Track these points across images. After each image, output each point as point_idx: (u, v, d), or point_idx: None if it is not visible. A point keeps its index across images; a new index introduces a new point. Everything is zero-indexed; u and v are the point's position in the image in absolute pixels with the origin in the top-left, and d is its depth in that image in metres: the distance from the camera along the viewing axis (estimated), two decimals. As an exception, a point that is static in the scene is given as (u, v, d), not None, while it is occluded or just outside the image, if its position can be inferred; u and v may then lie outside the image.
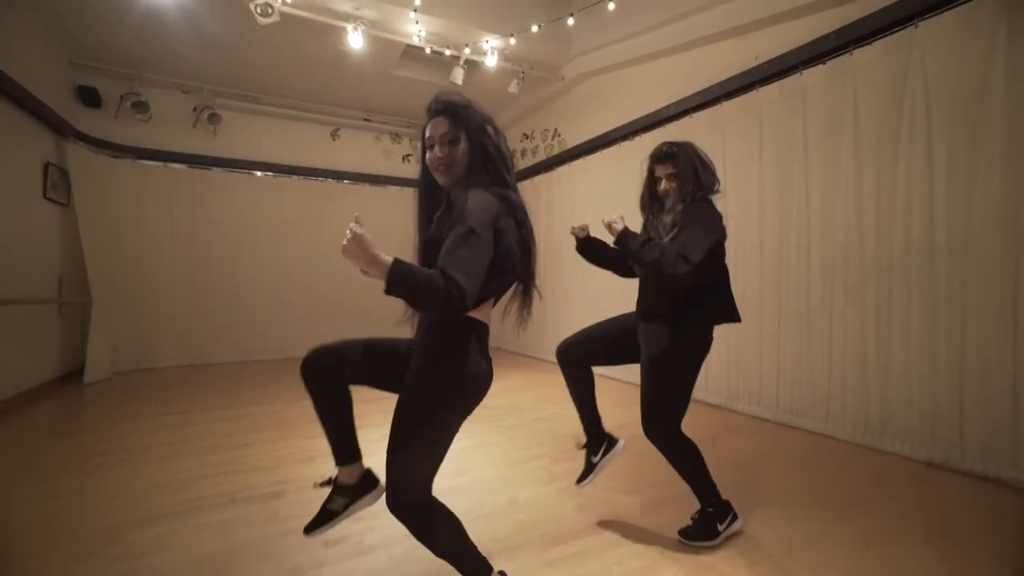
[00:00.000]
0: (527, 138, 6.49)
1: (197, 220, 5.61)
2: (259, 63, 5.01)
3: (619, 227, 1.72)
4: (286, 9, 3.78)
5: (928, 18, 2.52)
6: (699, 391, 3.82)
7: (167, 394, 4.19)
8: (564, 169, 5.62)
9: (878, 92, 2.75)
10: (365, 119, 6.53)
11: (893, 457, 2.62)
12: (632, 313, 1.93)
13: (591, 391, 1.96)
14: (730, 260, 3.33)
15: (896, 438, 2.66)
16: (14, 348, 3.71)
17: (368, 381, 1.38)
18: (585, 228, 1.96)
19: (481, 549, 1.34)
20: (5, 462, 2.59)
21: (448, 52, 4.46)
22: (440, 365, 1.20)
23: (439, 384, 1.19)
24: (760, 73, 3.38)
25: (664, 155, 1.82)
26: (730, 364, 3.62)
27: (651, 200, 1.90)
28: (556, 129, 5.93)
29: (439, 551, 1.28)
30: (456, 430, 1.22)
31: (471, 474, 2.44)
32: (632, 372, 1.96)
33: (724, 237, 1.76)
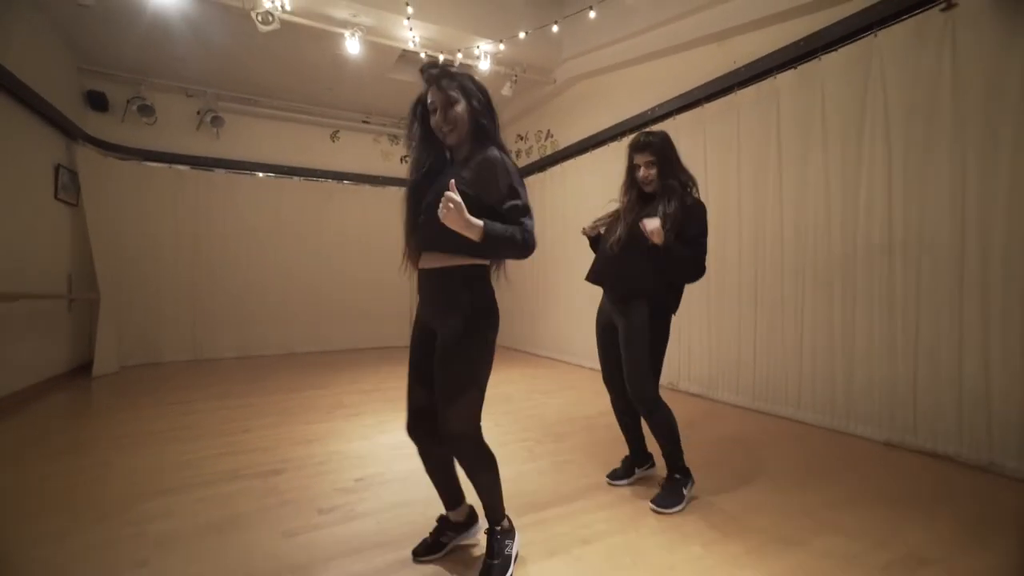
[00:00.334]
0: (521, 139, 6.65)
1: (201, 220, 5.79)
2: (260, 68, 5.19)
3: (657, 226, 1.83)
4: (286, 16, 3.95)
5: (885, 27, 2.68)
6: (681, 380, 3.99)
7: (172, 386, 4.38)
8: (557, 169, 5.79)
9: (843, 96, 2.91)
10: (364, 121, 6.71)
11: (856, 439, 2.78)
12: (603, 324, 2.15)
13: (637, 417, 2.20)
14: (711, 256, 3.55)
15: (859, 421, 2.82)
16: (27, 342, 3.89)
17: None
18: (596, 228, 2.16)
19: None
20: (26, 444, 2.77)
21: (442, 57, 4.63)
22: (478, 313, 1.42)
23: (484, 327, 1.43)
24: (738, 77, 3.54)
25: (642, 144, 2.00)
26: (711, 354, 3.78)
27: (631, 186, 2.08)
28: (549, 130, 6.10)
29: (482, 484, 1.51)
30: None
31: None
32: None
33: None
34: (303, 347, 6.38)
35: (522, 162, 6.51)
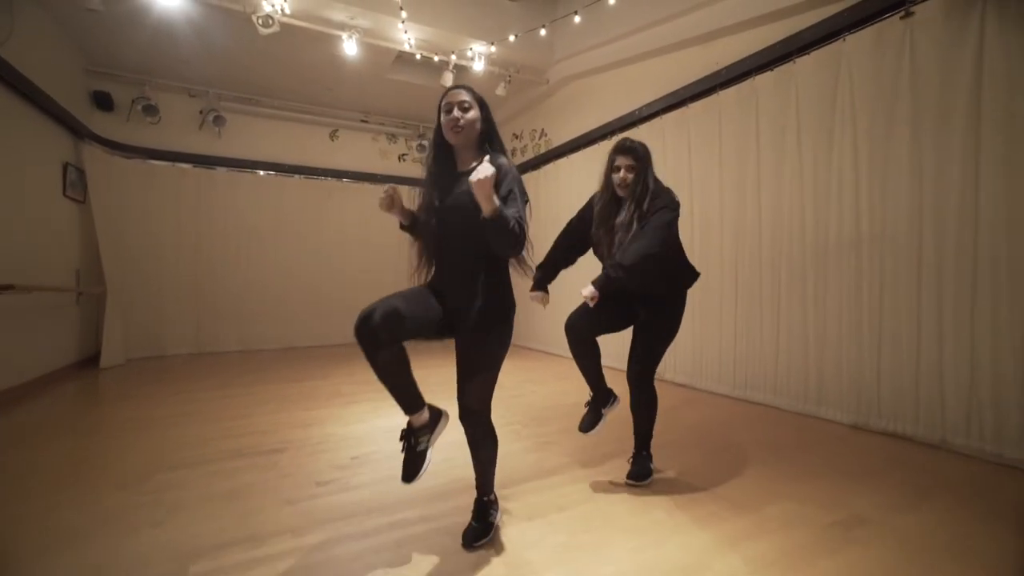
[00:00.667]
0: (516, 138, 6.80)
1: (203, 217, 5.95)
2: (261, 69, 5.34)
3: (592, 292, 1.86)
4: (286, 20, 4.10)
5: (853, 33, 2.83)
6: (667, 371, 4.15)
7: (177, 377, 4.55)
8: (550, 167, 5.94)
9: (815, 97, 3.07)
10: (362, 120, 6.86)
11: (826, 422, 2.95)
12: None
13: (597, 357, 2.16)
14: (695, 250, 3.67)
15: (829, 405, 2.99)
16: (37, 334, 4.06)
17: (417, 336, 1.52)
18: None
19: (451, 488, 1.72)
20: (43, 427, 2.94)
21: (436, 58, 4.78)
22: (502, 307, 1.59)
23: (506, 320, 1.60)
24: (720, 78, 3.69)
25: (627, 148, 2.04)
26: (694, 345, 3.94)
27: (607, 188, 2.08)
28: (543, 129, 6.25)
29: (483, 458, 1.67)
30: None
31: (447, 436, 2.73)
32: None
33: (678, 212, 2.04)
34: (302, 342, 6.54)
35: (517, 160, 6.67)
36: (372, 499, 1.97)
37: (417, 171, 7.13)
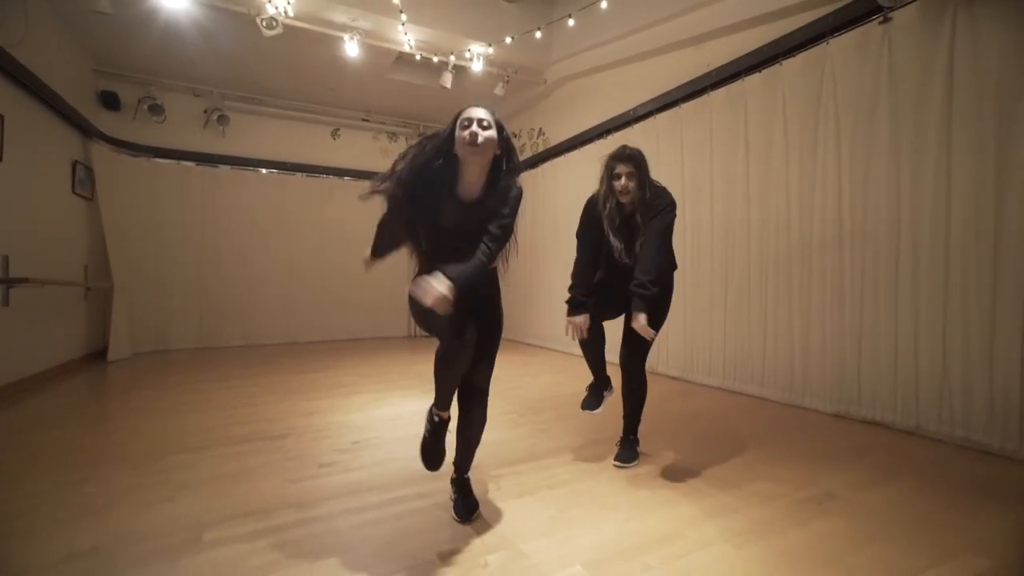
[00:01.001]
0: (515, 137, 6.90)
1: (207, 214, 6.07)
2: (264, 69, 5.46)
3: (652, 333, 1.99)
4: (289, 21, 4.21)
5: (836, 37, 2.94)
6: (660, 365, 4.26)
7: (183, 369, 4.67)
8: (547, 165, 6.05)
9: (800, 98, 3.17)
10: (363, 119, 6.97)
11: (810, 411, 3.06)
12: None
13: (602, 343, 2.26)
14: (687, 247, 3.77)
15: (813, 395, 3.10)
16: (48, 327, 4.18)
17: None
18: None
19: (447, 470, 1.83)
20: (57, 414, 3.06)
21: (436, 59, 4.89)
22: (498, 292, 1.80)
23: (500, 304, 1.79)
24: (711, 79, 3.80)
25: (626, 156, 2.09)
26: (686, 339, 4.05)
27: (609, 195, 2.11)
28: (541, 128, 6.36)
29: (477, 436, 1.77)
30: None
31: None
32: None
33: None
34: (305, 336, 6.66)
35: (515, 159, 6.77)
36: (372, 479, 2.08)
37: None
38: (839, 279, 2.97)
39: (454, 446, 1.79)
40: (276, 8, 4.05)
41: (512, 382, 4.05)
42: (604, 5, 4.19)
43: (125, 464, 2.22)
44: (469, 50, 4.77)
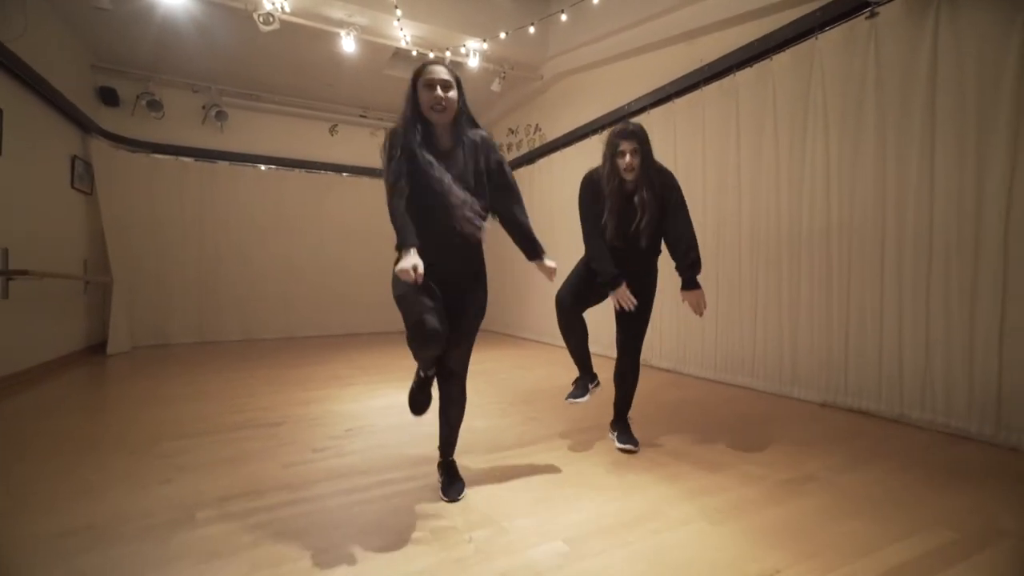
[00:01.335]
0: (512, 133, 6.94)
1: (206, 210, 6.12)
2: (262, 65, 5.50)
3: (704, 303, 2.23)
4: (285, 17, 4.25)
5: (824, 32, 2.97)
6: (653, 357, 4.31)
7: (182, 362, 4.72)
8: (544, 161, 6.09)
9: (790, 92, 3.21)
10: (361, 115, 7.00)
11: (798, 401, 3.10)
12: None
13: (585, 335, 2.30)
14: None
15: (802, 386, 3.14)
16: (47, 320, 4.23)
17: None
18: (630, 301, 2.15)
19: (435, 455, 1.90)
20: (56, 404, 3.12)
21: (432, 54, 4.92)
22: (484, 278, 1.84)
23: (486, 290, 1.84)
24: (703, 74, 3.83)
25: (629, 132, 2.06)
26: (679, 332, 4.09)
27: (613, 174, 2.09)
28: (537, 124, 6.39)
29: (459, 417, 1.84)
30: None
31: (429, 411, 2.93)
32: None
33: None
34: (303, 331, 6.71)
35: (512, 155, 6.81)
36: (363, 463, 2.13)
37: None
38: (827, 271, 3.01)
39: (438, 431, 1.87)
40: (273, 4, 4.09)
41: (505, 374, 4.10)
42: (596, 1, 4.22)
43: (123, 450, 2.27)
44: (464, 45, 4.80)
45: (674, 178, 2.20)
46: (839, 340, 2.93)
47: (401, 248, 1.56)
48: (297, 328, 6.67)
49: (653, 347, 4.32)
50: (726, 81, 3.69)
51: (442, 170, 1.63)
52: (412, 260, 1.48)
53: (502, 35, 4.55)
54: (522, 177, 6.47)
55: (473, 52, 4.95)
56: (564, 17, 4.34)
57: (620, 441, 2.28)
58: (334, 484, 1.91)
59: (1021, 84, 2.21)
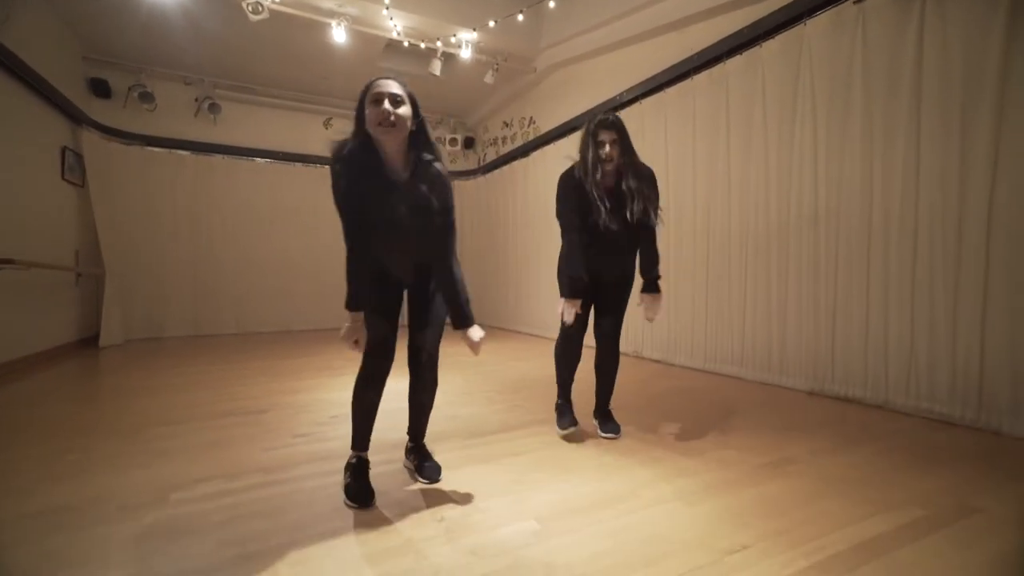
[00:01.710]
0: (507, 126, 6.93)
1: (200, 203, 6.11)
2: (254, 57, 5.48)
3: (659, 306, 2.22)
4: (275, 7, 4.23)
5: (813, 18, 2.96)
6: (644, 348, 4.30)
7: (175, 354, 4.72)
8: (538, 154, 6.07)
9: (779, 80, 3.19)
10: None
11: (786, 390, 3.10)
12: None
13: (578, 362, 2.34)
14: (669, 230, 3.82)
15: (790, 375, 3.13)
16: (37, 311, 4.23)
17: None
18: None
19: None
20: (45, 393, 3.13)
21: (423, 45, 4.91)
22: None
23: None
24: (693, 63, 3.81)
25: (610, 123, 2.08)
26: (668, 322, 4.08)
27: (596, 164, 2.08)
28: (531, 117, 6.37)
29: (431, 402, 1.80)
30: None
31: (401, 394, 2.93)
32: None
33: None
34: (298, 325, 6.70)
35: (507, 148, 6.81)
36: (344, 448, 2.08)
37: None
38: (814, 260, 2.99)
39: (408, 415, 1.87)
40: (261, -8, 4.07)
41: (496, 366, 4.09)
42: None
43: (108, 436, 2.27)
44: (455, 35, 4.78)
45: (654, 182, 2.20)
46: (826, 328, 2.92)
47: (348, 308, 1.57)
48: (293, 321, 6.67)
49: (643, 338, 4.32)
50: (716, 70, 3.67)
51: (391, 226, 1.55)
52: (356, 333, 1.57)
53: (491, 23, 4.53)
54: (516, 170, 6.47)
55: (465, 43, 4.93)
56: (552, 4, 4.32)
57: (603, 430, 2.27)
58: (312, 467, 1.91)
59: (1006, 69, 2.19)
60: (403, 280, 1.73)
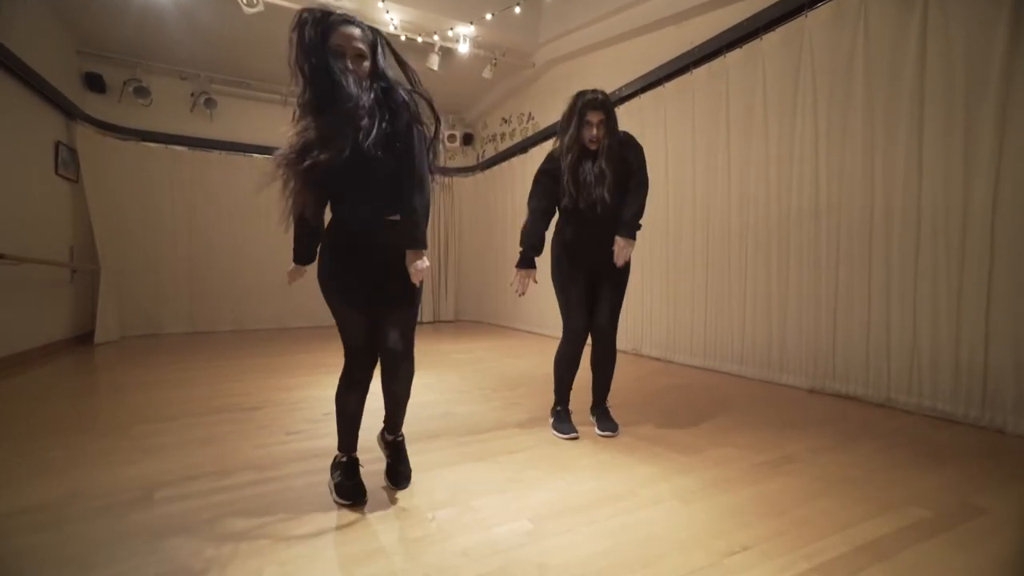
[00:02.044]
0: (505, 122, 6.87)
1: (197, 198, 6.06)
2: (249, 51, 5.42)
3: (628, 251, 2.10)
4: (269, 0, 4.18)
5: (814, 9, 2.91)
6: (643, 346, 4.26)
7: (171, 351, 4.69)
8: (537, 150, 6.01)
9: (780, 73, 3.15)
10: (353, 104, 6.92)
11: (786, 388, 3.06)
12: (577, 267, 2.21)
13: (576, 368, 2.28)
14: (669, 227, 3.78)
15: (790, 372, 3.10)
16: (29, 308, 4.18)
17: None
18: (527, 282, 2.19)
19: (414, 438, 1.80)
20: (38, 389, 3.09)
21: (420, 39, 4.86)
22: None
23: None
24: (692, 56, 3.77)
25: (599, 103, 2.02)
26: (668, 319, 4.05)
27: (574, 143, 2.06)
28: (530, 113, 6.32)
29: (407, 393, 1.63)
30: None
31: (420, 397, 2.87)
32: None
33: None
34: (295, 322, 6.66)
35: (505, 144, 6.76)
36: (336, 446, 2.09)
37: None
38: (815, 255, 2.96)
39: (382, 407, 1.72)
40: (256, -15, 4.02)
41: (493, 363, 4.05)
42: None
43: (95, 432, 2.23)
44: (452, 29, 4.73)
45: (642, 155, 2.15)
46: (827, 325, 2.88)
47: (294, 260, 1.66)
48: (290, 318, 6.63)
49: (643, 335, 4.28)
50: (715, 63, 3.63)
51: (346, 174, 1.44)
52: (293, 274, 1.69)
53: (488, 16, 4.48)
54: (514, 166, 6.42)
55: (463, 38, 4.88)
56: (550, -2, 4.25)
57: (600, 428, 2.23)
58: (303, 465, 1.87)
59: (1010, 61, 2.15)
60: (369, 247, 1.53)
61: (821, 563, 1.19)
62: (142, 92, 5.52)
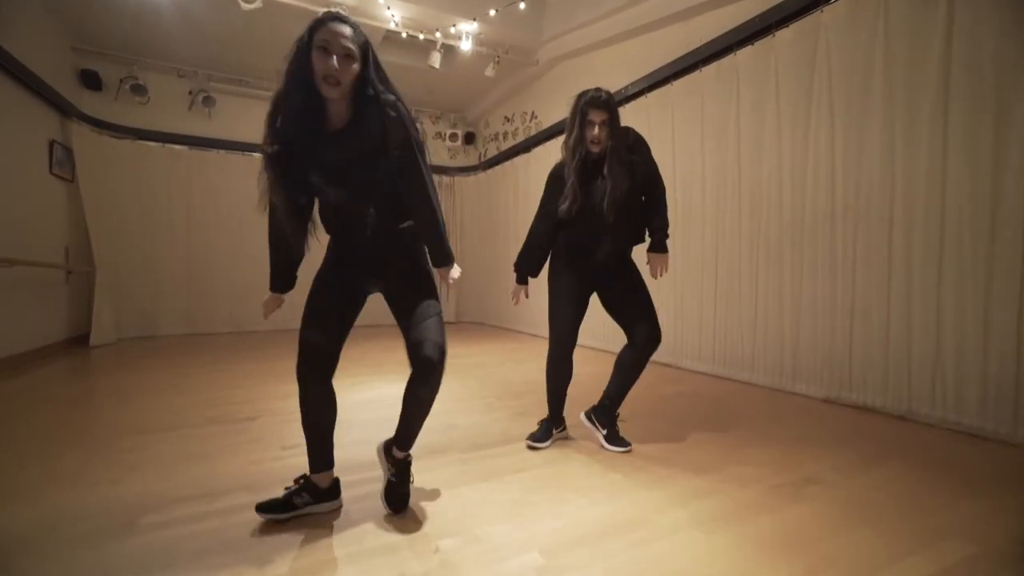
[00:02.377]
0: (508, 121, 6.77)
1: (195, 197, 5.96)
2: (248, 48, 5.32)
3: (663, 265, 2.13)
4: (268, -4, 4.08)
5: (830, 3, 2.80)
6: (649, 350, 4.15)
7: (167, 353, 4.59)
8: (540, 149, 5.92)
9: (794, 71, 3.04)
10: (353, 102, 6.82)
11: (800, 397, 2.95)
12: (575, 277, 2.15)
13: (570, 377, 2.22)
14: (677, 229, 3.69)
15: (803, 381, 2.99)
16: (24, 309, 4.09)
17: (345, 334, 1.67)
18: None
19: (414, 453, 1.68)
20: (25, 397, 2.99)
21: (422, 37, 4.75)
22: (424, 260, 1.62)
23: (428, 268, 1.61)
24: (701, 54, 3.66)
25: (603, 102, 1.94)
26: (676, 324, 3.94)
27: (579, 144, 1.98)
28: (533, 112, 6.21)
29: (428, 410, 1.56)
30: None
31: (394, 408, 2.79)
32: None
33: None
34: (294, 323, 6.48)
35: (508, 143, 6.66)
36: (337, 461, 1.98)
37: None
38: (831, 260, 2.85)
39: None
40: (253, -20, 3.92)
41: (495, 368, 3.96)
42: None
43: (80, 444, 2.14)
44: (455, 26, 4.62)
45: (645, 145, 2.08)
46: (843, 333, 2.78)
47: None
48: (289, 320, 6.47)
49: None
50: (725, 61, 3.52)
51: (334, 186, 1.50)
52: (267, 305, 1.72)
53: (492, 13, 4.37)
54: (517, 166, 6.32)
55: (465, 35, 4.77)
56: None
57: (611, 443, 2.12)
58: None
59: (1044, 56, 2.04)
60: (366, 272, 1.62)
61: (859, 607, 1.09)
62: (139, 90, 5.42)
